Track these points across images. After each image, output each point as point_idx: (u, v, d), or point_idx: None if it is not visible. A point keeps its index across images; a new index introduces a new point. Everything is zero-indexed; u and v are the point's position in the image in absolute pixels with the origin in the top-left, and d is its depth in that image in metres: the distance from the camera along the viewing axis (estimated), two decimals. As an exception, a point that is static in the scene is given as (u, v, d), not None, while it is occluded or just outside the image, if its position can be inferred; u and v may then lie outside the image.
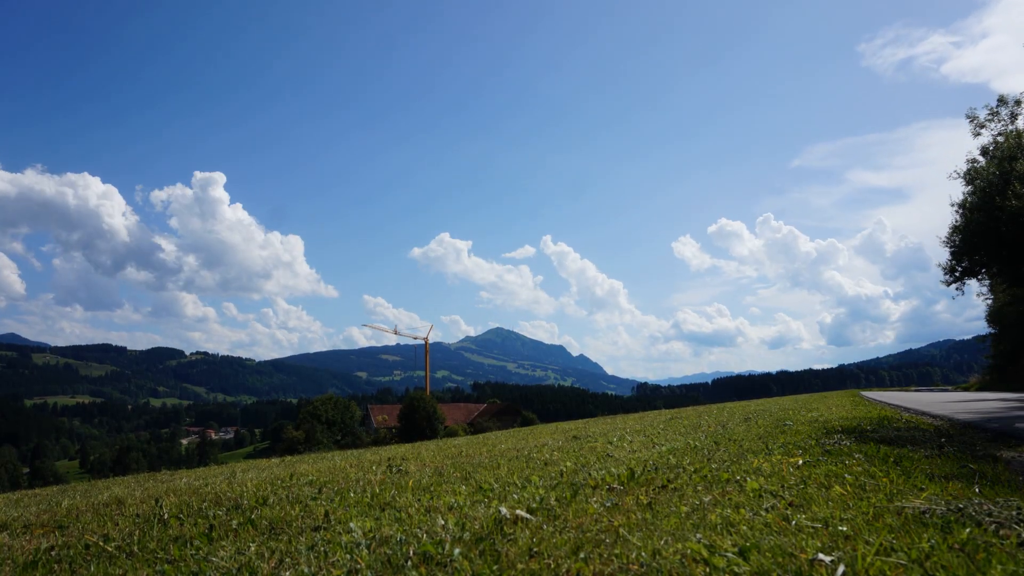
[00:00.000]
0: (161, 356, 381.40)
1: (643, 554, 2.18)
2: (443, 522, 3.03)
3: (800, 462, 3.94)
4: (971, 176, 16.91)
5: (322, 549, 2.75)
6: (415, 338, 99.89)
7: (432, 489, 4.38)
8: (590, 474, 4.29)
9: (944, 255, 18.51)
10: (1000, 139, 16.95)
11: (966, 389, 33.51)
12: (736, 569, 1.96)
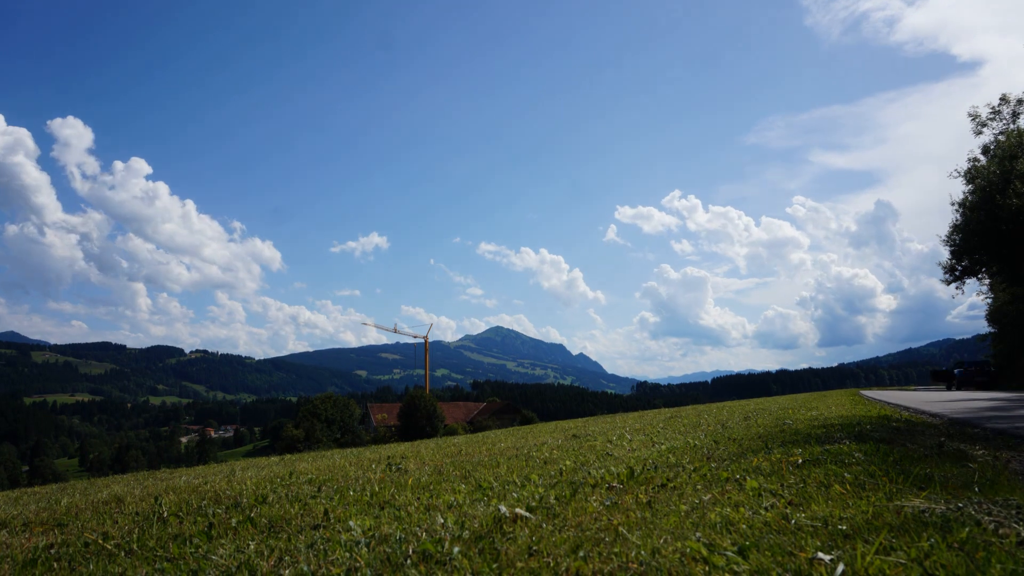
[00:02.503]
0: (160, 354, 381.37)
1: (643, 553, 2.18)
2: (442, 520, 3.03)
3: (800, 461, 3.93)
4: (972, 175, 16.93)
5: (321, 547, 2.75)
6: (415, 336, 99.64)
7: (431, 487, 4.38)
8: (589, 473, 4.29)
9: (944, 253, 18.55)
10: (1001, 138, 16.95)
11: (966, 388, 33.52)
12: (735, 568, 1.96)
